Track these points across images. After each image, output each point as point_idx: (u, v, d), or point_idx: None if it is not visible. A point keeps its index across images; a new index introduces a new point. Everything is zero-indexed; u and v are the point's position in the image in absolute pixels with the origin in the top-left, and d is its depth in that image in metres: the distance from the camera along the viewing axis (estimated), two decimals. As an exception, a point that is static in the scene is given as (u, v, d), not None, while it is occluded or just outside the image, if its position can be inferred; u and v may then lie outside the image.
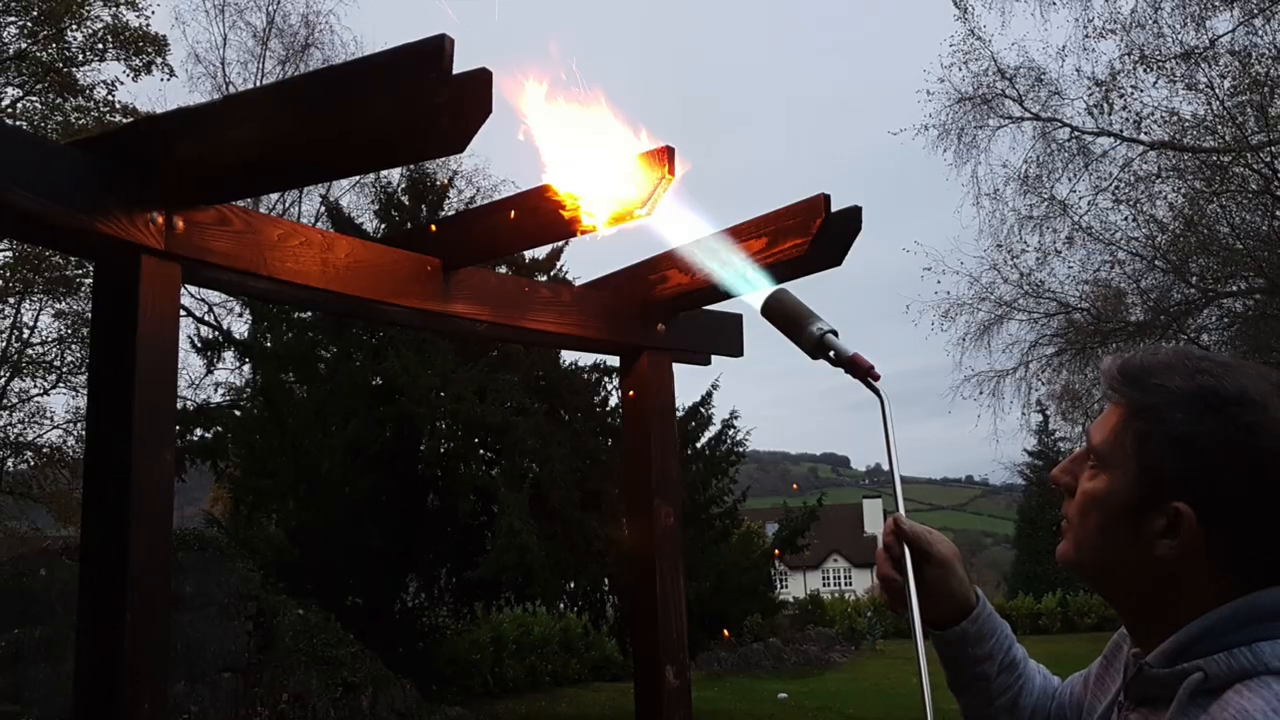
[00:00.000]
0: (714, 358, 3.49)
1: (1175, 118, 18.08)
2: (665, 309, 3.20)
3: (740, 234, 2.70)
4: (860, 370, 1.61)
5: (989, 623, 1.65)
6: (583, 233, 2.45)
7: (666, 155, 2.31)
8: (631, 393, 3.30)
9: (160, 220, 2.22)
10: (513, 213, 2.65)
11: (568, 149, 2.26)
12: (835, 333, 1.66)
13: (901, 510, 1.61)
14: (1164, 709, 1.25)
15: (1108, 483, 1.33)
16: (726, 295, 2.93)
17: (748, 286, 1.75)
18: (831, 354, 1.64)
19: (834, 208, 2.70)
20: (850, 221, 2.71)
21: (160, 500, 2.21)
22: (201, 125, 2.15)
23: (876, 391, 1.61)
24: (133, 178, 2.17)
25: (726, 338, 3.48)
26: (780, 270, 2.63)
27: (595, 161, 2.30)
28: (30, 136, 2.24)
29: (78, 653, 2.17)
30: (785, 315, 1.71)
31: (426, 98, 1.81)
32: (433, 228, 2.88)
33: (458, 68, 1.79)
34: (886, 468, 1.63)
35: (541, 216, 2.57)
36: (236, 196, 2.36)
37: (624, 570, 11.98)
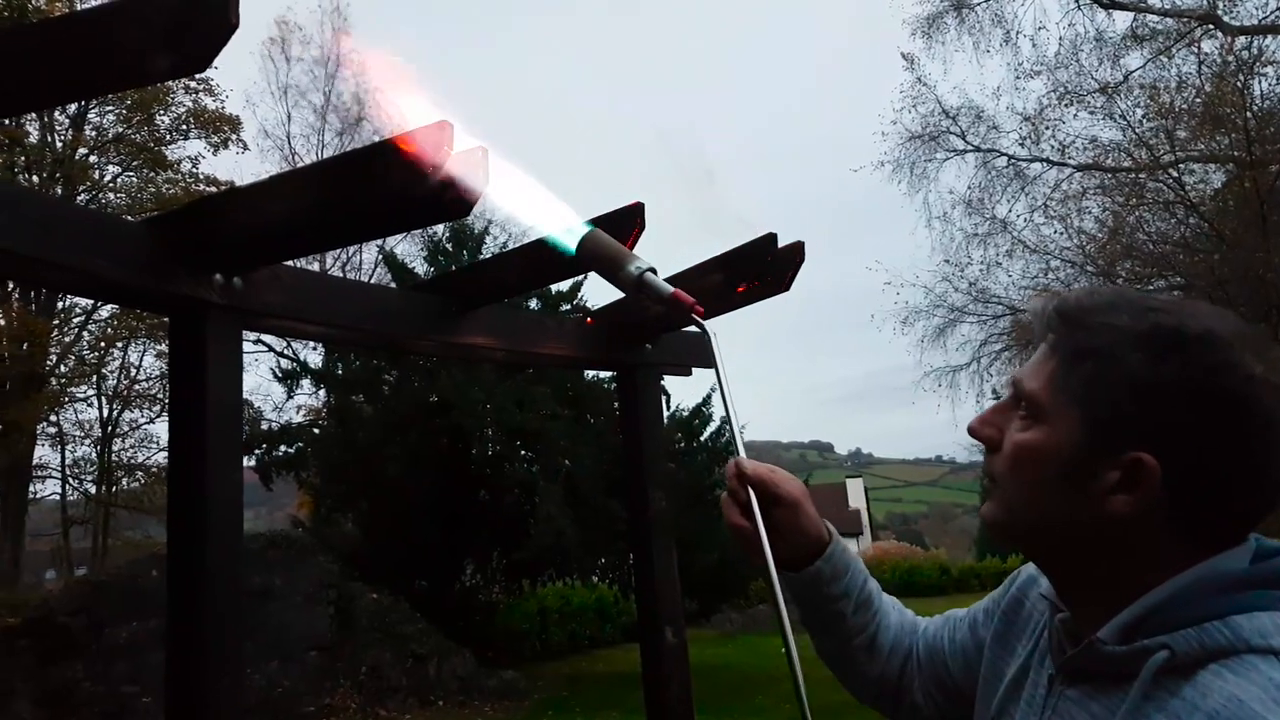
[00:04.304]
0: (695, 369, 3.53)
1: (1095, 144, 18.09)
2: (651, 331, 3.25)
3: (703, 270, 2.74)
4: (682, 308, 1.32)
5: (842, 559, 1.38)
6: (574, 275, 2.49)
7: (639, 209, 2.36)
8: (626, 401, 3.35)
9: (221, 280, 2.28)
10: (516, 261, 2.71)
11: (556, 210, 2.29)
12: (654, 270, 1.36)
13: (742, 453, 1.31)
14: (1112, 687, 0.98)
15: (1047, 433, 1.03)
16: (687, 321, 2.96)
17: (573, 238, 1.42)
18: (652, 293, 1.35)
19: (785, 242, 2.75)
20: (795, 254, 2.75)
21: (231, 513, 2.25)
22: (250, 202, 2.20)
23: (701, 327, 1.34)
24: (197, 246, 2.23)
25: (703, 352, 3.52)
26: (738, 297, 2.68)
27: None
28: (112, 217, 2.30)
29: (168, 639, 2.20)
30: (600, 257, 1.40)
31: (433, 173, 1.85)
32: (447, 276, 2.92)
33: (466, 144, 1.82)
34: (730, 414, 1.33)
35: (540, 264, 2.62)
36: (285, 258, 2.40)
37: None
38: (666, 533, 3.25)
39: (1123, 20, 18.27)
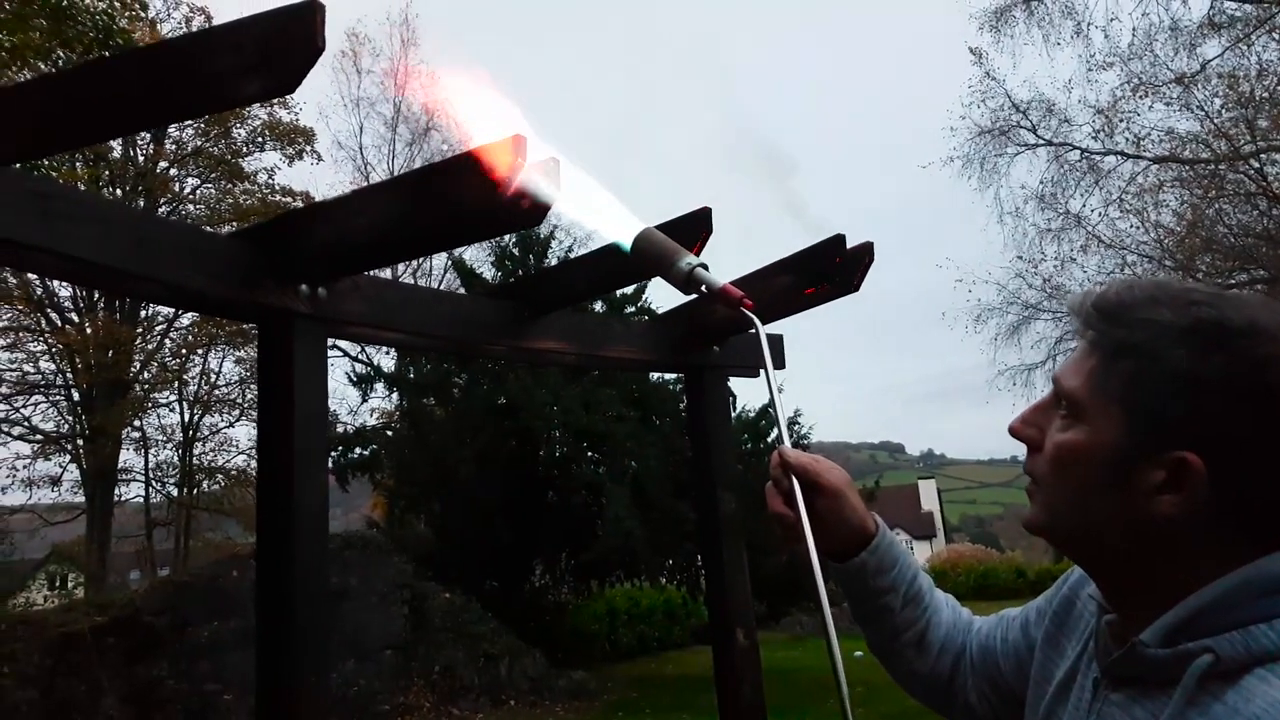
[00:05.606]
0: (762, 371, 3.54)
1: (1172, 135, 17.60)
2: (718, 333, 3.27)
3: (770, 272, 2.76)
4: (733, 301, 1.37)
5: (890, 552, 1.36)
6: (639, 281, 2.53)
7: (705, 215, 2.39)
8: (694, 403, 3.38)
9: (306, 290, 2.36)
10: (584, 268, 2.76)
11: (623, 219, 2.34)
12: (705, 266, 1.40)
13: (787, 443, 1.32)
14: (1156, 691, 0.95)
15: (1088, 433, 1.00)
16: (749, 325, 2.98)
17: (628, 237, 1.48)
18: (703, 287, 1.38)
19: (854, 243, 2.76)
20: (864, 255, 2.76)
21: (317, 515, 2.32)
22: (332, 216, 2.29)
23: (751, 320, 1.38)
24: (283, 259, 2.32)
25: (771, 354, 3.53)
26: (806, 299, 2.70)
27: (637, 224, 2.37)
28: (201, 231, 2.40)
29: (258, 637, 2.29)
30: (653, 255, 1.45)
31: (507, 183, 1.90)
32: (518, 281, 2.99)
33: (534, 155, 1.87)
34: (773, 404, 1.36)
35: (608, 270, 2.67)
36: (366, 269, 2.49)
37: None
38: (736, 534, 3.27)
39: (1199, 7, 17.79)
